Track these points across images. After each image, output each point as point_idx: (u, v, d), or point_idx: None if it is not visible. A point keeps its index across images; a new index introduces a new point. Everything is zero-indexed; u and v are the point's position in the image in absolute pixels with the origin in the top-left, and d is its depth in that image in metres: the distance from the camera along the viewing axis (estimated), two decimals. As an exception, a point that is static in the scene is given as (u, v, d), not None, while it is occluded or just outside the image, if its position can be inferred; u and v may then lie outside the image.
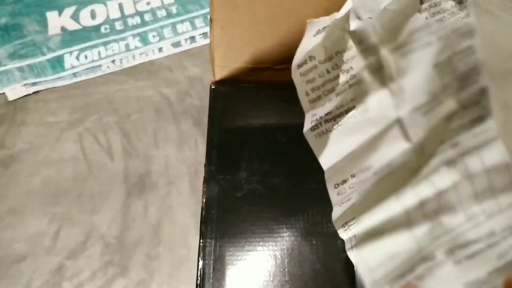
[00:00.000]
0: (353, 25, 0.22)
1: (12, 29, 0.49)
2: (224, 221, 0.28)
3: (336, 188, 0.22)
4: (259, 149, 0.32)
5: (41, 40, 0.48)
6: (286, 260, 0.27)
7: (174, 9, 0.52)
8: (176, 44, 0.48)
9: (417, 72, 0.20)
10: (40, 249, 0.33)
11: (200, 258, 0.27)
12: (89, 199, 0.36)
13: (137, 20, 0.51)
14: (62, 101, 0.43)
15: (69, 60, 0.46)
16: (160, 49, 0.48)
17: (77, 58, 0.46)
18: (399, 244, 0.21)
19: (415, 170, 0.21)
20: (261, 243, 0.28)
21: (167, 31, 0.49)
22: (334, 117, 0.22)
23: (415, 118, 0.20)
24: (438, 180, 0.21)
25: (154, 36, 0.49)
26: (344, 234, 0.22)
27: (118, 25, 0.50)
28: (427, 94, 0.20)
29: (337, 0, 0.31)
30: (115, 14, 0.51)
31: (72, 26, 0.50)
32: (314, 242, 0.28)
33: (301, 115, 0.34)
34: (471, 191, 0.20)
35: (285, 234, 0.28)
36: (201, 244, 0.27)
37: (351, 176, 0.21)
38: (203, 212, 0.29)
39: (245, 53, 0.34)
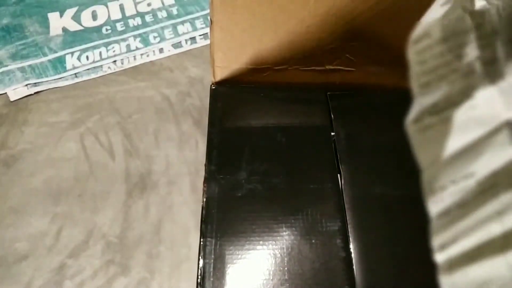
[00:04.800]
0: (477, 4, 0.19)
1: (14, 30, 0.49)
2: (224, 220, 0.28)
3: (433, 195, 0.19)
4: (259, 149, 0.32)
5: (43, 41, 0.48)
6: (285, 259, 0.27)
7: (174, 10, 0.52)
8: (177, 45, 0.49)
9: None
10: (41, 248, 0.33)
11: (200, 257, 0.27)
12: (91, 199, 0.36)
13: (138, 21, 0.51)
14: (63, 101, 0.43)
15: (70, 61, 0.46)
16: (161, 50, 0.48)
17: (79, 58, 0.47)
18: (492, 270, 0.18)
19: None
20: (261, 242, 0.28)
21: (167, 32, 0.50)
22: (439, 110, 0.19)
23: None
24: None
25: (155, 37, 0.49)
26: (440, 255, 0.18)
27: (119, 26, 0.50)
28: None
29: (337, 2, 0.32)
30: (116, 15, 0.52)
31: (74, 27, 0.50)
32: (313, 241, 0.28)
33: (301, 115, 0.34)
34: None
35: (284, 233, 0.28)
36: (201, 243, 0.27)
37: (451, 182, 0.18)
38: (204, 212, 0.29)
39: (245, 54, 0.34)
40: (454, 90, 0.19)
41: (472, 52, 0.19)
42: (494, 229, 0.17)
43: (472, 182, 0.17)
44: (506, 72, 0.18)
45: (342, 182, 0.30)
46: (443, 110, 0.19)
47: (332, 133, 0.32)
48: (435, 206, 0.18)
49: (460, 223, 0.18)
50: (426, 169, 0.19)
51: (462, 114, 0.18)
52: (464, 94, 0.19)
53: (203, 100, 0.42)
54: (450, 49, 0.19)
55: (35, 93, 0.44)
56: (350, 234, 0.28)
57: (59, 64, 0.46)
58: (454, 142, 0.18)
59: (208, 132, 0.33)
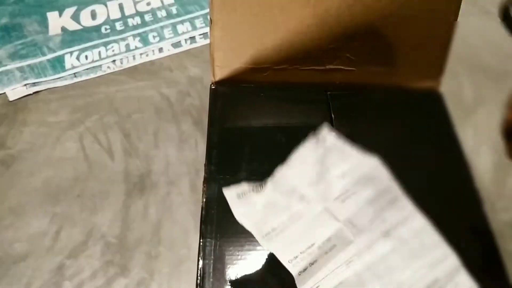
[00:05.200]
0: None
1: (13, 30, 0.49)
2: (224, 221, 0.28)
3: (290, 263, 0.26)
4: (259, 149, 0.32)
5: (42, 41, 0.48)
6: (285, 259, 0.27)
7: (174, 10, 0.52)
8: (176, 45, 0.48)
9: (329, 185, 0.29)
10: (40, 248, 0.33)
11: (200, 258, 0.27)
12: (90, 199, 0.36)
13: (137, 20, 0.51)
14: (62, 101, 0.43)
15: (69, 60, 0.46)
16: (160, 49, 0.48)
17: (78, 58, 0.47)
18: None
19: (353, 242, 0.26)
20: (261, 242, 0.28)
21: (167, 32, 0.50)
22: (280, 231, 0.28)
23: (337, 205, 0.28)
24: (379, 248, 0.26)
25: (154, 37, 0.49)
26: None
27: (119, 26, 0.50)
28: (339, 190, 0.28)
29: (337, 2, 0.32)
30: (115, 14, 0.52)
31: (73, 26, 0.50)
32: (313, 241, 0.28)
33: (301, 115, 0.34)
34: (408, 251, 0.26)
35: (284, 233, 0.28)
36: (201, 244, 0.27)
37: (300, 252, 0.27)
38: (203, 212, 0.29)
39: (245, 54, 0.34)
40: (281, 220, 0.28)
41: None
42: (345, 274, 0.26)
43: (314, 248, 0.27)
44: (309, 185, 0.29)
45: (342, 183, 0.30)
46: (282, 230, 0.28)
47: (332, 133, 0.32)
48: (294, 268, 0.26)
49: (316, 274, 0.26)
50: (280, 255, 0.27)
51: (294, 223, 0.28)
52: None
53: (203, 100, 0.42)
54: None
55: (34, 93, 0.43)
56: (350, 235, 0.28)
57: (58, 63, 0.46)
58: (292, 232, 0.27)
59: (208, 132, 0.33)
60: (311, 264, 0.26)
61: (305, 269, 0.26)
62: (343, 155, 0.29)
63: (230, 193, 0.29)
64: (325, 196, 0.28)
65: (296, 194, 0.29)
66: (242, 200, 0.29)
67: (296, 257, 0.26)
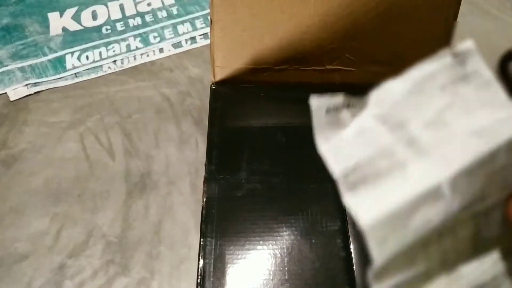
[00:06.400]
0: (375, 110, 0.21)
1: (14, 30, 0.49)
2: (225, 220, 0.28)
3: (377, 245, 0.19)
4: (259, 149, 0.32)
5: (43, 41, 0.48)
6: (286, 259, 0.27)
7: (174, 10, 0.52)
8: (177, 45, 0.48)
9: (456, 139, 0.19)
10: (41, 248, 0.33)
11: (200, 257, 0.27)
12: (91, 199, 0.36)
13: (138, 21, 0.51)
14: (63, 101, 0.43)
15: (70, 61, 0.46)
16: (161, 50, 0.48)
17: (79, 58, 0.47)
18: None
19: (471, 240, 0.19)
20: (261, 242, 0.28)
21: (167, 32, 0.50)
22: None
23: (460, 180, 0.18)
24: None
25: (155, 37, 0.49)
26: None
27: (119, 26, 0.50)
28: (472, 156, 0.18)
29: (337, 2, 0.32)
30: (116, 15, 0.52)
31: (74, 26, 0.50)
32: (313, 240, 0.28)
33: (301, 115, 0.34)
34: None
35: (284, 233, 0.28)
36: (201, 243, 0.27)
37: (393, 232, 0.19)
38: (204, 211, 0.29)
39: (245, 54, 0.34)
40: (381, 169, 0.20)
41: (385, 139, 0.20)
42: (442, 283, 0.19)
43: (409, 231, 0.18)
44: (430, 147, 0.19)
45: (342, 182, 0.30)
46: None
47: (332, 133, 0.32)
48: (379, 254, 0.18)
49: (404, 270, 0.18)
50: (367, 226, 0.19)
51: (394, 181, 0.19)
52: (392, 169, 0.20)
53: (203, 100, 0.42)
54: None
55: (35, 93, 0.44)
56: (350, 234, 0.28)
57: (59, 64, 0.46)
58: (390, 201, 0.19)
59: (208, 132, 0.33)
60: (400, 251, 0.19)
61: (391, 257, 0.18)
62: (487, 96, 0.20)
63: (318, 104, 0.21)
64: (447, 156, 0.19)
65: (404, 134, 0.20)
66: (330, 117, 0.22)
67: (385, 239, 0.18)
